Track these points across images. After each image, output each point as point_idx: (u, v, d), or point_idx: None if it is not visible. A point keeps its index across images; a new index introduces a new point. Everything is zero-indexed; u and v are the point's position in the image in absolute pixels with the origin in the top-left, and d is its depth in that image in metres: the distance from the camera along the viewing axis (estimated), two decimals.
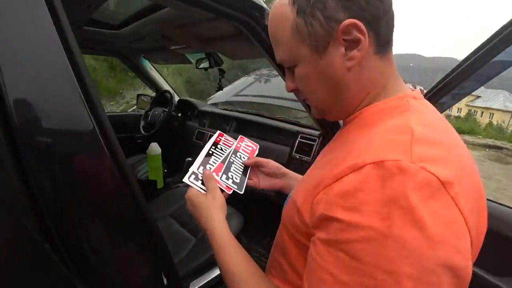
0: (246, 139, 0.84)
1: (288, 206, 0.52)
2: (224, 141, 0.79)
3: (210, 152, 0.73)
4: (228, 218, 1.28)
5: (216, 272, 1.15)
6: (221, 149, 0.76)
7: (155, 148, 1.67)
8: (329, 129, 1.36)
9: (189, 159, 2.09)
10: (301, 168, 1.51)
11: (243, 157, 0.77)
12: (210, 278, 1.13)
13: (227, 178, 0.67)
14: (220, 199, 0.60)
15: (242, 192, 0.66)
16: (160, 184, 1.72)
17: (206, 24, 1.17)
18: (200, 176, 0.64)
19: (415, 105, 0.43)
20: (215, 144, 0.76)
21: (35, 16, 0.44)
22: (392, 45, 0.46)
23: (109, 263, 0.55)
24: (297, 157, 1.54)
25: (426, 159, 0.33)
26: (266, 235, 1.93)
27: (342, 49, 0.43)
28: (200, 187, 0.63)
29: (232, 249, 0.53)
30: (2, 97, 0.41)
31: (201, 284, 1.11)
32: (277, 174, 0.77)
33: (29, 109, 0.43)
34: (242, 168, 0.73)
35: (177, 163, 2.19)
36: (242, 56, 1.56)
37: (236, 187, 0.66)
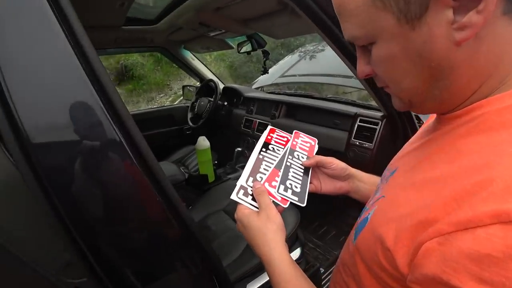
0: (302, 133, 0.71)
1: (365, 234, 0.41)
2: (276, 138, 0.67)
3: (261, 156, 0.61)
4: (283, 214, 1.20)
5: None
6: (274, 150, 0.64)
7: (203, 142, 1.62)
8: (394, 110, 1.15)
9: (239, 149, 2.04)
10: (362, 156, 1.34)
11: (302, 157, 0.64)
12: (268, 279, 1.06)
13: (286, 189, 0.55)
14: (277, 219, 0.50)
15: (304, 205, 0.54)
16: (211, 178, 1.69)
17: (242, 3, 1.06)
18: (250, 191, 0.54)
19: None
20: (266, 144, 0.64)
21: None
22: None
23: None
24: (357, 143, 1.36)
25: None
26: (322, 225, 1.81)
27: (449, 14, 0.28)
28: (252, 204, 0.53)
29: (297, 283, 0.44)
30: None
31: (259, 286, 1.05)
32: (342, 176, 0.63)
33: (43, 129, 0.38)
34: (302, 172, 0.61)
35: (227, 153, 2.16)
36: (287, 34, 1.40)
37: (296, 199, 0.55)
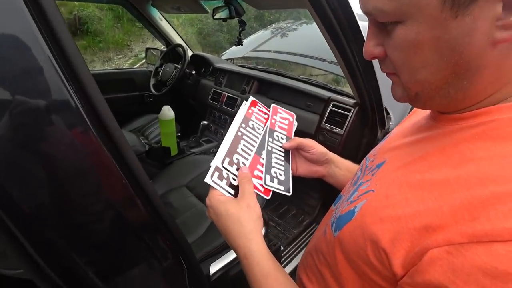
0: (280, 108, 0.66)
1: (352, 228, 0.39)
2: (257, 114, 0.61)
3: (239, 133, 0.55)
4: None
5: None
6: (254, 128, 0.58)
7: (168, 112, 1.50)
8: (368, 99, 1.16)
9: (205, 122, 1.94)
10: (331, 140, 1.35)
11: (281, 138, 0.59)
12: (233, 258, 1.04)
13: (272, 179, 0.51)
14: (258, 208, 0.46)
15: (290, 194, 0.51)
16: (174, 151, 1.60)
17: None
18: (225, 174, 0.48)
19: None
20: (246, 119, 0.58)
21: None
22: None
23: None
24: (328, 127, 1.37)
25: None
26: (283, 204, 1.84)
27: (498, 8, 0.26)
28: (227, 190, 0.47)
29: (279, 277, 0.42)
30: None
31: (223, 265, 1.02)
32: (321, 161, 0.61)
33: None
34: (283, 156, 0.56)
35: (191, 126, 2.06)
36: (271, 5, 1.30)
37: (283, 188, 0.51)
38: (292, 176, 0.56)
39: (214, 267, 1.00)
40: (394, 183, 0.37)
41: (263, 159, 0.53)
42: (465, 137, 0.32)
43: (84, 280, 0.40)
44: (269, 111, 0.63)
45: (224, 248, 1.04)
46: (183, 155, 1.67)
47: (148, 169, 1.57)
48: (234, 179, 0.49)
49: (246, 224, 0.44)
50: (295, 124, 0.65)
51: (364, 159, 0.53)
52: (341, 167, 0.63)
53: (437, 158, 0.34)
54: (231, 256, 1.03)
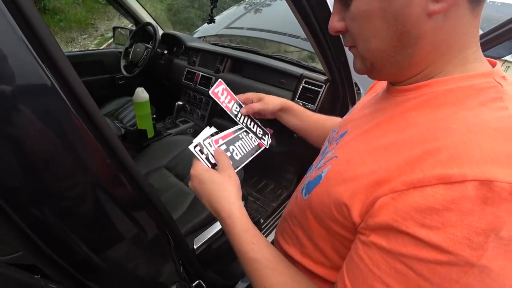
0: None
1: (319, 190, 0.45)
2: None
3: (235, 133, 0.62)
4: None
5: (219, 226, 1.12)
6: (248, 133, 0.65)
7: (141, 94, 1.48)
8: (338, 75, 1.21)
9: (180, 102, 1.93)
10: None
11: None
12: (214, 232, 1.10)
13: (225, 151, 0.57)
14: (237, 180, 0.51)
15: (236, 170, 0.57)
16: (150, 133, 1.59)
17: None
18: (205, 151, 0.53)
19: (509, 91, 0.34)
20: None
21: None
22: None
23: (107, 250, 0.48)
24: (301, 104, 1.41)
25: None
26: (261, 179, 1.91)
27: None
28: (206, 163, 0.53)
29: (255, 235, 0.47)
30: None
31: (206, 239, 1.08)
32: (276, 110, 0.72)
33: None
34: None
35: (166, 107, 2.03)
36: None
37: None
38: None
39: (198, 242, 1.05)
40: (354, 149, 0.43)
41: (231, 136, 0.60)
42: (410, 106, 0.38)
43: (78, 254, 0.43)
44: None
45: (207, 223, 1.10)
46: (160, 137, 1.67)
47: None
48: (212, 158, 0.54)
49: (229, 190, 0.49)
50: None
51: (331, 131, 0.59)
52: (274, 101, 0.71)
53: (388, 125, 0.40)
54: (213, 230, 1.09)
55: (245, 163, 0.59)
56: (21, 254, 0.44)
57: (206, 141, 0.54)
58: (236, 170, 0.55)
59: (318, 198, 0.44)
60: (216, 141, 0.55)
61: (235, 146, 0.59)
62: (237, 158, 0.58)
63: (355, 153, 0.42)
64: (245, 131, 0.63)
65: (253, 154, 0.62)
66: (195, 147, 0.52)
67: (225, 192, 0.49)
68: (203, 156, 0.53)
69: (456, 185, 0.27)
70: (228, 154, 0.56)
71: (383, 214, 0.32)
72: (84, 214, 0.43)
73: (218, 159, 0.53)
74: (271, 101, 0.69)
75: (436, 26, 0.33)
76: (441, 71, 0.37)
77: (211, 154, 0.54)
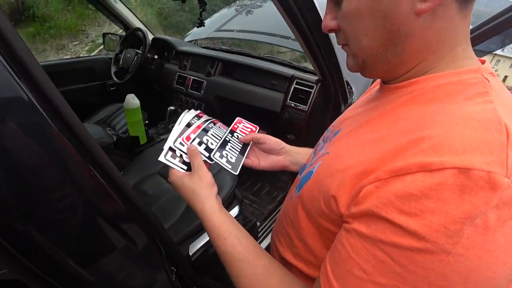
0: (244, 121, 0.72)
1: (310, 185, 0.46)
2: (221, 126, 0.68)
3: (192, 122, 0.61)
4: (222, 172, 1.20)
5: None
6: (219, 128, 0.65)
7: (132, 100, 1.46)
8: (329, 75, 1.21)
9: (172, 107, 1.92)
10: (297, 117, 1.40)
11: (241, 136, 0.66)
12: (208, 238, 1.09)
13: (221, 157, 0.57)
14: (208, 177, 0.53)
15: (236, 173, 0.57)
16: (143, 139, 1.57)
17: None
18: (178, 153, 0.54)
19: (495, 86, 0.35)
20: (198, 116, 0.65)
21: None
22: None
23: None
24: (293, 105, 1.41)
25: None
26: (257, 182, 1.91)
27: None
28: (180, 166, 0.53)
29: (226, 230, 0.48)
30: None
31: (201, 245, 1.07)
32: (277, 150, 0.68)
33: None
34: (240, 148, 0.62)
35: (158, 112, 2.02)
36: None
37: (230, 167, 0.57)
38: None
39: (193, 248, 1.04)
40: (344, 144, 0.44)
41: (218, 143, 0.60)
42: (400, 103, 0.39)
43: (66, 269, 0.42)
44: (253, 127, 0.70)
45: (202, 228, 1.09)
46: (153, 143, 1.65)
47: (118, 160, 1.54)
48: (187, 157, 0.55)
49: (199, 192, 0.51)
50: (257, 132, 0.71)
51: (326, 131, 0.60)
52: (301, 152, 0.69)
53: (378, 121, 0.41)
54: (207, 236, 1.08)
55: (243, 161, 0.59)
56: (6, 272, 0.43)
57: (177, 141, 0.55)
58: (238, 172, 0.56)
59: (309, 193, 0.45)
60: (188, 138, 0.56)
61: (208, 136, 0.60)
62: (232, 161, 0.58)
63: (345, 148, 0.43)
64: (212, 122, 0.65)
65: (245, 153, 0.62)
66: (165, 155, 0.53)
67: (197, 195, 0.51)
68: (177, 160, 0.54)
69: (435, 173, 0.28)
70: (203, 146, 0.56)
71: (366, 202, 0.32)
72: (69, 229, 0.42)
73: (190, 159, 0.54)
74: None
75: (424, 25, 0.34)
76: (431, 68, 0.38)
77: (184, 153, 0.55)
